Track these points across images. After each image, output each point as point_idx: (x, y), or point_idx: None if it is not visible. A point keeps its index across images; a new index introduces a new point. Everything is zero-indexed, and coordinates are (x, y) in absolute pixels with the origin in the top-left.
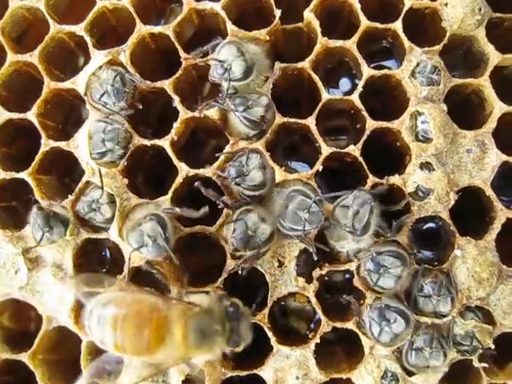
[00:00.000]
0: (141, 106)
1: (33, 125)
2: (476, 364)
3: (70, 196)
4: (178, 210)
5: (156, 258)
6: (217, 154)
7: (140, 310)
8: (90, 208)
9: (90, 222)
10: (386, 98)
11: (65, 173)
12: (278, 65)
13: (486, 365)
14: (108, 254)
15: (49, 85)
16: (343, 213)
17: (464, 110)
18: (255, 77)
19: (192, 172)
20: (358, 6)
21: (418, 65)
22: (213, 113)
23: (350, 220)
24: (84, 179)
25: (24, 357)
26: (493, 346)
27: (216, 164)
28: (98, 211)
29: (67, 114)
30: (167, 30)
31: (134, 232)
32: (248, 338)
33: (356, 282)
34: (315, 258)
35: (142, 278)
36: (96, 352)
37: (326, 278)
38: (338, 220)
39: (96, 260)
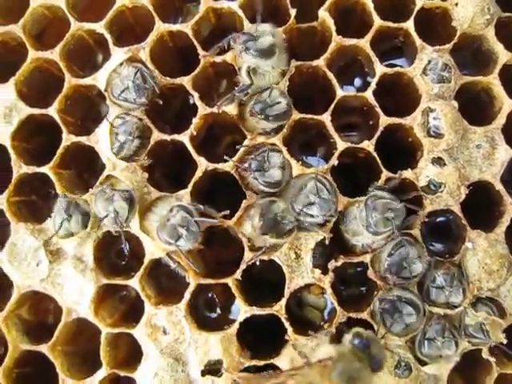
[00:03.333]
0: (161, 102)
1: (53, 120)
2: (485, 356)
3: (90, 190)
4: (201, 206)
5: (194, 245)
6: (237, 147)
7: None
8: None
9: None
10: (397, 96)
11: (84, 167)
12: (293, 63)
13: (493, 359)
14: (127, 247)
15: (70, 81)
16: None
17: (474, 107)
18: (272, 66)
19: (211, 166)
20: (371, 6)
21: (429, 62)
22: (231, 108)
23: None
24: (105, 173)
25: (44, 348)
26: (504, 341)
27: (235, 157)
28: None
29: (86, 110)
30: (185, 28)
31: (165, 229)
32: (385, 356)
33: (370, 274)
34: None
35: (160, 270)
36: (115, 343)
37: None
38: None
39: (115, 252)
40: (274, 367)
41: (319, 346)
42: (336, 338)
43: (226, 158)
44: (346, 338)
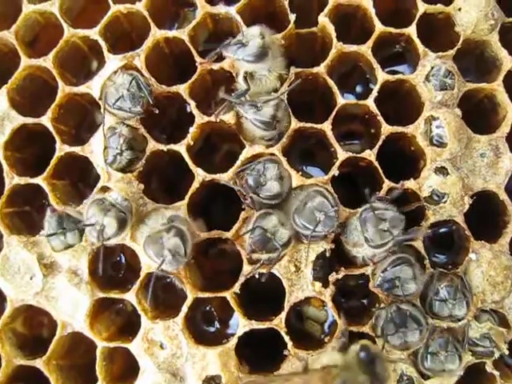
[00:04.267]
0: (157, 111)
1: (45, 130)
2: (489, 369)
3: (84, 201)
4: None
5: (173, 271)
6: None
7: None
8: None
9: None
10: (399, 103)
11: (78, 178)
12: (293, 69)
13: (497, 372)
14: (123, 259)
15: (63, 89)
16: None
17: (476, 115)
18: (268, 69)
19: (209, 177)
20: (372, 11)
21: (432, 68)
22: (229, 117)
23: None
24: (99, 184)
25: (39, 363)
26: (507, 352)
27: (233, 169)
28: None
29: (80, 118)
30: (182, 34)
31: (153, 245)
32: (389, 376)
33: (372, 287)
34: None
35: (157, 282)
36: (111, 357)
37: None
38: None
39: (111, 265)
40: None
41: (324, 353)
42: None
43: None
44: (352, 348)
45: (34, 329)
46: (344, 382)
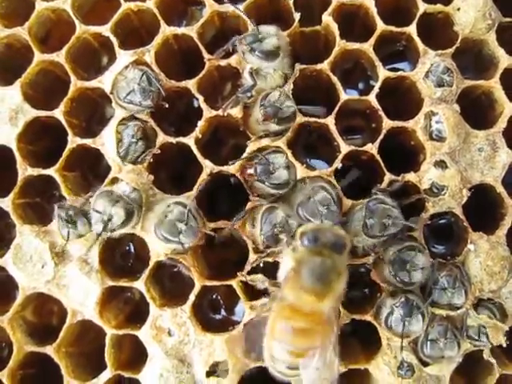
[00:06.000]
0: (167, 105)
1: (58, 122)
2: (486, 357)
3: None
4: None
5: (194, 241)
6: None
7: None
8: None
9: None
10: (399, 99)
11: (89, 169)
12: (297, 66)
13: (494, 360)
14: (132, 249)
15: (75, 83)
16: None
17: (474, 111)
18: (274, 68)
19: (216, 169)
20: (374, 10)
21: (431, 65)
22: (236, 111)
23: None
24: (110, 175)
25: (49, 350)
26: (504, 344)
27: (240, 161)
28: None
29: (91, 112)
30: (191, 31)
31: (163, 225)
32: (339, 234)
33: (373, 276)
34: None
35: (164, 272)
36: (119, 345)
37: None
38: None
39: (120, 254)
40: None
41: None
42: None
43: (230, 163)
44: (296, 244)
45: (45, 317)
46: (309, 275)
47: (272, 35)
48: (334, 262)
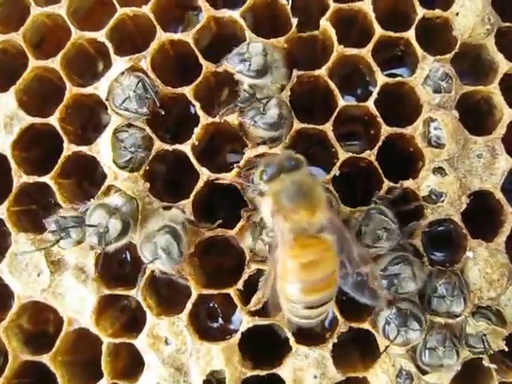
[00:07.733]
0: (163, 112)
1: (53, 129)
2: (486, 364)
3: (91, 200)
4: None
5: (169, 270)
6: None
7: None
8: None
9: None
10: (398, 105)
11: (84, 177)
12: (295, 72)
13: (495, 366)
14: (128, 256)
15: (71, 90)
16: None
17: (473, 117)
18: (270, 81)
19: (213, 176)
20: (372, 15)
21: (429, 71)
22: (233, 118)
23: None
24: (106, 183)
25: (45, 358)
26: (506, 348)
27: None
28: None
29: (86, 119)
30: (187, 37)
31: (148, 244)
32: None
33: (371, 283)
34: None
35: (161, 278)
36: (115, 353)
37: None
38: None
39: (117, 262)
40: (277, 377)
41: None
42: None
43: (233, 167)
44: (261, 187)
45: (41, 325)
46: (287, 194)
47: (258, 53)
48: (300, 176)
